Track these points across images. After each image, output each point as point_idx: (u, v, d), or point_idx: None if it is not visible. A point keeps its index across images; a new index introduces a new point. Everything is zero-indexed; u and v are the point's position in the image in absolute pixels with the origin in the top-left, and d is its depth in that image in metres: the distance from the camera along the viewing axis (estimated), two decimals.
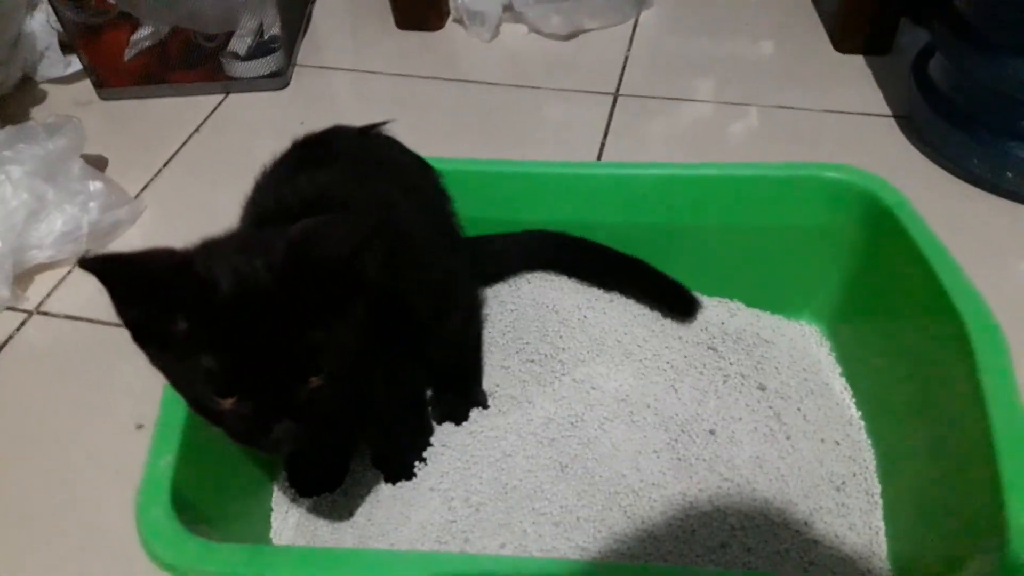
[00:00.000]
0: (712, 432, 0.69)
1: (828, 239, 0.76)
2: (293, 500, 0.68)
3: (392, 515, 0.65)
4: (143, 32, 1.17)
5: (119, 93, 1.21)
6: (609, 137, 1.10)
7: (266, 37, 1.21)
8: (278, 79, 1.22)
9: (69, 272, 0.95)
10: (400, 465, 0.68)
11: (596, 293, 0.80)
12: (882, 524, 0.65)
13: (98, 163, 1.07)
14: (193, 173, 1.09)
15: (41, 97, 1.23)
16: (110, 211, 0.96)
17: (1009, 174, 0.94)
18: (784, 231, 0.77)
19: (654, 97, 1.17)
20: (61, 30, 1.18)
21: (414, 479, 0.67)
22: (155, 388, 0.58)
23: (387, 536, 0.64)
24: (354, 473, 0.70)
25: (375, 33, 1.34)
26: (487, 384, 0.74)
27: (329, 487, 0.68)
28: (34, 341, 0.88)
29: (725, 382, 0.73)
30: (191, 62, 1.20)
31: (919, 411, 0.65)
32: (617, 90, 1.19)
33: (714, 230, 0.78)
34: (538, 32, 1.29)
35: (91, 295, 0.89)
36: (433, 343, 0.67)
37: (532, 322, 0.77)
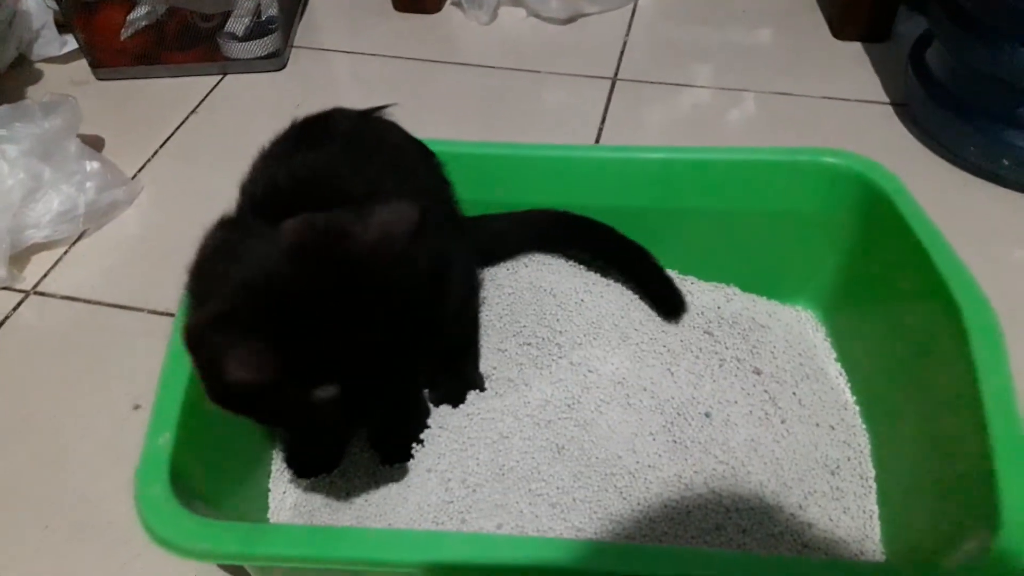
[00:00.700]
0: (708, 415, 0.70)
1: (825, 224, 0.76)
2: (290, 480, 0.69)
3: (389, 496, 0.65)
4: (139, 12, 1.16)
5: (115, 73, 1.20)
6: (607, 122, 1.10)
7: (263, 18, 1.21)
8: (275, 60, 1.21)
9: (66, 252, 0.94)
10: (397, 447, 0.68)
11: (593, 277, 0.80)
12: (876, 508, 0.65)
13: (95, 143, 1.07)
14: (190, 154, 1.08)
15: (36, 76, 1.22)
16: (107, 191, 0.96)
17: (1005, 162, 0.94)
18: (781, 216, 0.77)
19: (652, 82, 1.17)
20: (57, 9, 1.17)
21: (411, 460, 0.67)
22: (152, 368, 0.59)
23: (384, 516, 0.64)
24: (351, 454, 0.70)
25: (373, 15, 1.33)
26: (484, 367, 0.74)
27: (327, 468, 0.69)
28: (30, 322, 0.87)
29: (721, 366, 0.74)
30: (188, 42, 1.19)
31: (913, 396, 0.66)
32: (615, 75, 1.18)
33: (711, 214, 0.78)
34: (537, 16, 1.29)
35: (88, 275, 0.91)
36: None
37: (529, 305, 0.77)
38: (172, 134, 1.11)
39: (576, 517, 0.62)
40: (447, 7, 1.33)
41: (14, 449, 0.75)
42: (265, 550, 0.51)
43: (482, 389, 0.72)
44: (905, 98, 1.10)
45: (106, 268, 0.93)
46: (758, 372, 0.73)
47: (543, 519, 0.62)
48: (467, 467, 0.66)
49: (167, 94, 1.18)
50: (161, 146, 1.09)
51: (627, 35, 1.26)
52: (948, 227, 0.66)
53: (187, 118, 1.14)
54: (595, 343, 0.74)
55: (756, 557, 0.58)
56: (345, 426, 0.62)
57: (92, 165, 0.95)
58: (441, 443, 0.68)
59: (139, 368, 0.80)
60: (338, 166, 0.58)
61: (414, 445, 0.68)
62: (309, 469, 0.68)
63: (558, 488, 0.64)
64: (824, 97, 1.12)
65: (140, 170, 1.05)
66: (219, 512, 0.56)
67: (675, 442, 0.68)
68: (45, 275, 0.92)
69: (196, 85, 1.19)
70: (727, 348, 0.75)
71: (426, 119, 1.10)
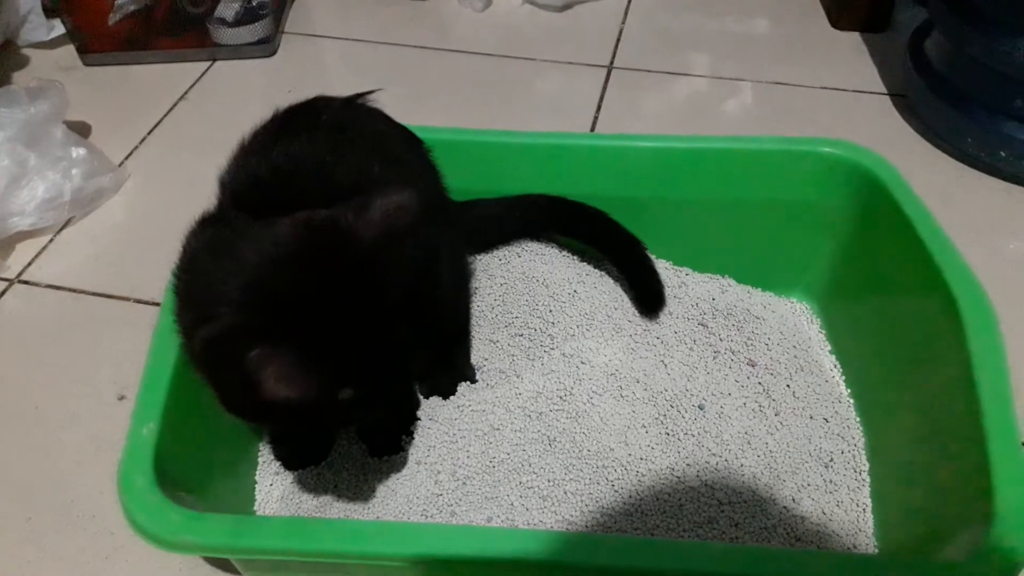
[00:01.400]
0: (701, 407, 0.69)
1: (821, 214, 0.75)
2: (278, 472, 0.68)
3: (378, 488, 0.64)
4: None
5: (103, 59, 1.18)
6: (603, 110, 1.08)
7: (254, 3, 1.19)
8: (266, 46, 1.20)
9: (51, 240, 0.93)
10: (387, 439, 0.67)
11: (587, 267, 0.79)
12: (869, 501, 0.65)
13: (81, 129, 1.05)
14: (178, 141, 1.07)
15: (23, 62, 1.20)
16: (93, 178, 0.95)
17: (1003, 153, 0.93)
18: (777, 206, 0.76)
19: (648, 71, 1.16)
20: None
21: (401, 453, 0.67)
22: (138, 358, 0.58)
23: (373, 509, 0.63)
24: (340, 446, 0.69)
25: (365, 1, 1.31)
26: (475, 358, 0.73)
27: (314, 461, 0.68)
28: (15, 310, 0.86)
29: (715, 358, 0.73)
30: (177, 28, 1.17)
31: (908, 389, 0.65)
32: (611, 63, 1.17)
33: (706, 204, 0.77)
34: (532, 3, 1.27)
35: (73, 264, 0.89)
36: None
37: (522, 296, 0.76)
38: (160, 121, 1.10)
39: (567, 510, 0.62)
40: None
41: None
42: (251, 543, 0.50)
43: (473, 381, 0.71)
44: (903, 89, 1.09)
45: (92, 256, 0.91)
46: (752, 364, 0.73)
47: (534, 512, 0.62)
48: (457, 459, 0.65)
49: (155, 80, 1.17)
50: (149, 133, 1.08)
51: (623, 23, 1.25)
52: (945, 219, 0.65)
53: (176, 105, 1.12)
54: (588, 334, 0.73)
55: (749, 549, 0.58)
56: (354, 424, 0.63)
57: (78, 152, 0.94)
58: (431, 435, 0.67)
59: (124, 358, 0.79)
60: (322, 156, 0.57)
61: (404, 437, 0.67)
62: (297, 461, 0.67)
63: (549, 481, 0.63)
64: (822, 87, 1.11)
65: (127, 157, 1.04)
66: (205, 504, 0.55)
67: (668, 434, 0.67)
68: (30, 263, 0.91)
69: (185, 71, 1.18)
70: (721, 340, 0.74)
71: (419, 106, 1.09)
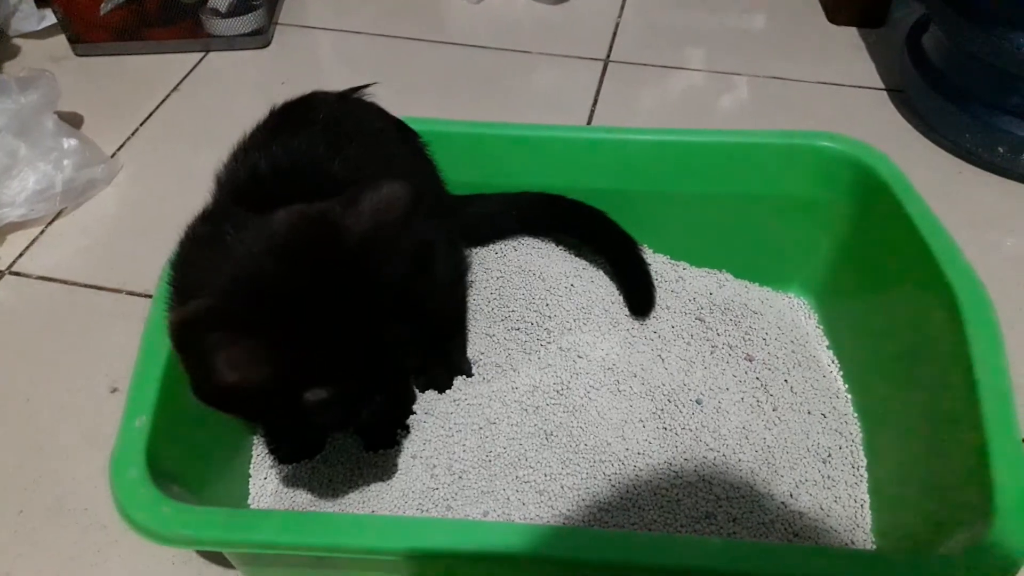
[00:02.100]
0: (698, 402, 0.68)
1: (819, 209, 0.75)
2: (272, 466, 0.67)
3: (373, 482, 0.64)
4: None
5: (95, 49, 1.17)
6: (599, 104, 1.08)
7: None
8: (259, 37, 1.18)
9: (42, 232, 0.92)
10: (382, 433, 0.67)
11: (583, 261, 0.79)
12: (867, 497, 0.64)
13: (73, 120, 1.04)
14: (171, 133, 1.06)
15: (14, 52, 1.19)
16: (85, 169, 0.94)
17: (1001, 149, 0.93)
18: (774, 200, 0.76)
19: (645, 64, 1.15)
20: None
21: (396, 447, 0.66)
22: (130, 350, 0.57)
23: (368, 503, 0.63)
24: (334, 440, 0.68)
25: None
26: (472, 352, 0.73)
27: (309, 455, 0.67)
28: (5, 302, 0.85)
29: (712, 352, 0.73)
30: (169, 18, 1.16)
31: (906, 384, 0.65)
32: (608, 56, 1.16)
33: (704, 198, 0.76)
34: None
35: (64, 256, 0.88)
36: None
37: (518, 289, 0.76)
38: (153, 112, 1.08)
39: (564, 504, 0.61)
40: None
41: None
42: (244, 536, 0.49)
43: (469, 374, 0.71)
44: (900, 84, 1.08)
45: (83, 248, 0.90)
46: (750, 359, 0.72)
47: (530, 506, 0.61)
48: (453, 453, 0.65)
49: (148, 71, 1.15)
50: (141, 124, 1.07)
51: (620, 16, 1.24)
52: (943, 214, 0.65)
53: (168, 96, 1.11)
54: (585, 328, 0.73)
55: (747, 545, 0.57)
56: (334, 429, 0.62)
57: (70, 142, 0.93)
58: (427, 429, 0.67)
59: (116, 350, 0.78)
60: (319, 151, 0.57)
61: (399, 431, 0.67)
62: (291, 455, 0.67)
63: (546, 475, 0.63)
64: (819, 82, 1.11)
65: (119, 148, 1.03)
66: (198, 497, 0.55)
67: (665, 429, 0.67)
68: (21, 255, 0.90)
69: (178, 62, 1.16)
70: (719, 335, 0.74)
71: (414, 99, 1.08)
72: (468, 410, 0.68)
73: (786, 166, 0.74)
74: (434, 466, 0.64)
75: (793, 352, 0.73)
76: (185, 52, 1.18)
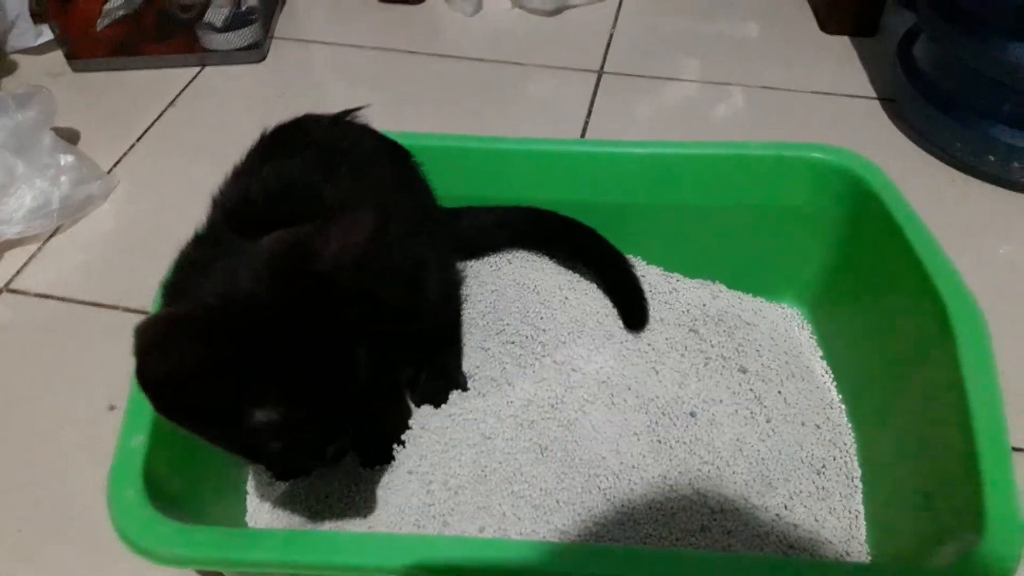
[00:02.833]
0: (693, 415, 0.69)
1: (812, 220, 0.75)
2: (269, 483, 0.67)
3: (370, 499, 0.64)
4: (116, 1, 1.13)
5: (92, 64, 1.18)
6: (593, 115, 1.08)
7: (243, 8, 1.18)
8: (255, 52, 1.19)
9: (39, 248, 0.92)
10: (378, 448, 0.67)
11: (577, 275, 0.79)
12: (862, 508, 0.65)
13: (70, 136, 1.04)
14: (167, 148, 1.06)
15: (11, 68, 1.19)
16: (82, 186, 0.94)
17: (992, 158, 0.94)
18: (768, 211, 0.76)
19: (639, 75, 1.16)
20: None
21: (392, 462, 0.66)
22: (128, 367, 0.57)
23: (365, 520, 0.63)
24: None
25: (355, 5, 1.31)
26: (467, 366, 0.73)
27: (305, 471, 0.67)
28: (3, 320, 0.85)
29: (706, 364, 0.73)
30: (166, 33, 1.17)
31: (900, 395, 0.65)
32: (602, 67, 1.17)
33: (697, 209, 0.77)
34: (522, 7, 1.27)
35: (62, 272, 0.89)
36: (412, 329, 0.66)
37: (513, 303, 0.76)
38: (149, 127, 1.09)
39: (559, 519, 0.62)
40: None
41: None
42: (242, 555, 0.49)
43: (465, 389, 0.71)
44: (892, 93, 1.09)
45: (81, 265, 0.91)
46: (743, 371, 0.73)
47: (526, 521, 0.61)
48: (449, 469, 0.65)
49: (144, 86, 1.16)
50: (138, 139, 1.07)
51: (613, 27, 1.25)
52: (934, 223, 0.65)
53: (165, 111, 1.12)
54: (579, 341, 0.73)
55: (742, 558, 0.58)
56: (297, 463, 0.58)
57: (67, 159, 0.93)
58: (423, 444, 0.67)
59: (114, 367, 0.77)
60: (311, 176, 0.57)
61: (395, 446, 0.67)
62: (288, 472, 0.67)
63: (541, 490, 0.63)
64: (811, 91, 1.12)
65: (116, 164, 1.03)
66: (195, 516, 0.55)
67: (660, 442, 0.67)
68: (18, 272, 0.90)
69: (174, 77, 1.17)
70: (712, 346, 0.74)
71: (409, 112, 1.08)
72: (464, 425, 0.68)
73: (778, 177, 0.75)
74: (430, 482, 0.64)
75: (787, 363, 0.74)
76: (181, 67, 1.18)
